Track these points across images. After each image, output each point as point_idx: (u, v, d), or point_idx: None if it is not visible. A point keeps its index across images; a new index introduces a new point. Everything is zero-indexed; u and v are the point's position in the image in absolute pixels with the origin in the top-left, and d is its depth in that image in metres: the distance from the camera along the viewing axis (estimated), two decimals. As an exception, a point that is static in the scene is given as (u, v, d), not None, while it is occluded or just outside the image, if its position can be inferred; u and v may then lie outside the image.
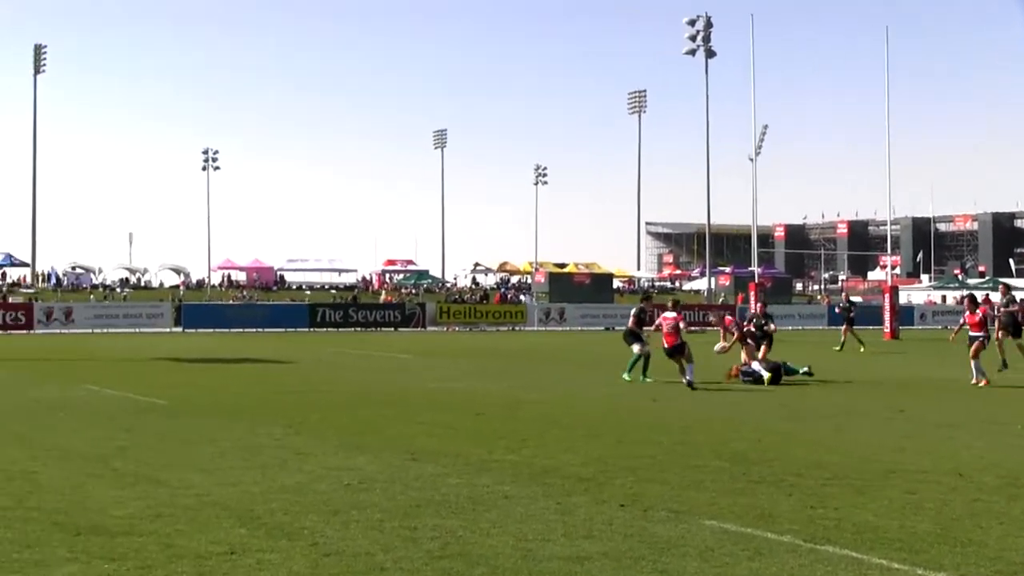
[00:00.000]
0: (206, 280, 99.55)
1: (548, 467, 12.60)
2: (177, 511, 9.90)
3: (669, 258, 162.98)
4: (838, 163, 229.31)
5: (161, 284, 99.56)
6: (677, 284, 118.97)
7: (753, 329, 26.54)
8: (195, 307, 62.97)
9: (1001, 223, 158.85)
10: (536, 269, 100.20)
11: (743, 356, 25.45)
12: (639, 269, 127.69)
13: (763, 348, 25.62)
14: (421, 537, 9.00)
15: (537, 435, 15.47)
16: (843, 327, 42.65)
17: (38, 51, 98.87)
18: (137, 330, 55.21)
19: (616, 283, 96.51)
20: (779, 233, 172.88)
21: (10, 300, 67.88)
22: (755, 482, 11.69)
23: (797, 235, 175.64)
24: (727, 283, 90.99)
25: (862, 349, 40.08)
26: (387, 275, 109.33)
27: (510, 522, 9.58)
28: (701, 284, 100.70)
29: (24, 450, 13.78)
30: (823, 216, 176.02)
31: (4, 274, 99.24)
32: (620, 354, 31.77)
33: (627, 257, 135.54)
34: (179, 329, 56.39)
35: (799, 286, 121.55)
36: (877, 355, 38.54)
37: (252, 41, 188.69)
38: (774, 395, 22.08)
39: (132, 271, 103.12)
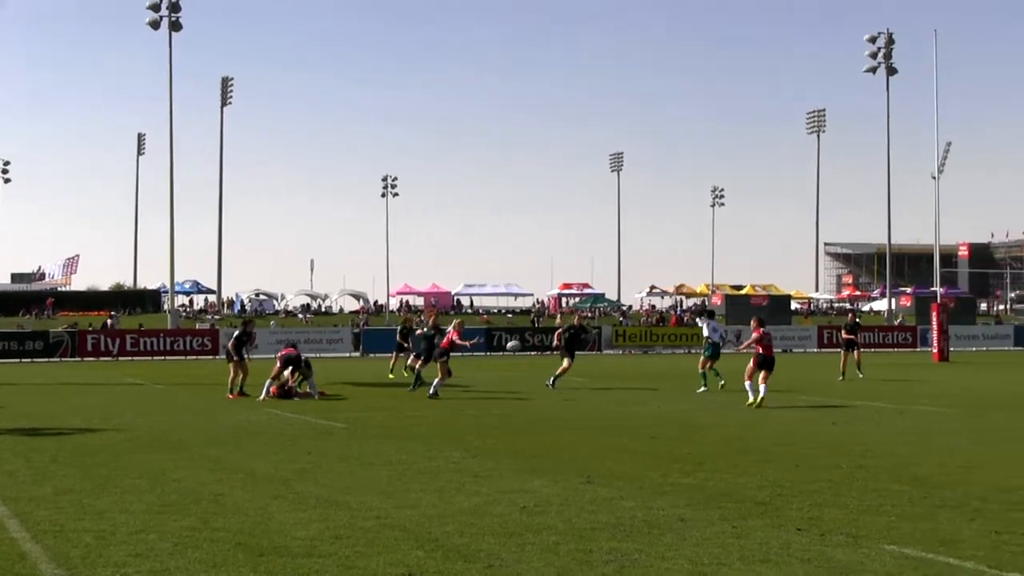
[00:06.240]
0: (385, 305, 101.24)
1: (724, 490, 12.50)
2: (356, 533, 10.10)
3: (848, 279, 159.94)
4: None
5: (341, 309, 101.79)
6: (856, 305, 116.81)
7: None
8: (374, 332, 63.99)
9: None
10: (713, 291, 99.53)
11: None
12: (817, 290, 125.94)
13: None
14: (596, 560, 9.01)
15: (712, 458, 15.36)
16: None
17: (225, 84, 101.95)
18: (318, 355, 56.18)
19: (794, 304, 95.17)
20: (963, 252, 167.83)
21: (196, 326, 70.16)
22: (937, 506, 11.43)
23: (982, 254, 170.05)
24: (908, 304, 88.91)
25: None
26: (563, 299, 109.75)
27: (686, 546, 9.54)
28: (881, 305, 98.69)
29: (212, 473, 14.21)
30: (1008, 234, 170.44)
31: (191, 301, 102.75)
32: (797, 378, 31.35)
33: (805, 278, 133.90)
34: (358, 354, 57.36)
35: (983, 306, 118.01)
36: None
37: (423, 67, 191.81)
38: (961, 420, 21.59)
39: (313, 297, 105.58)
